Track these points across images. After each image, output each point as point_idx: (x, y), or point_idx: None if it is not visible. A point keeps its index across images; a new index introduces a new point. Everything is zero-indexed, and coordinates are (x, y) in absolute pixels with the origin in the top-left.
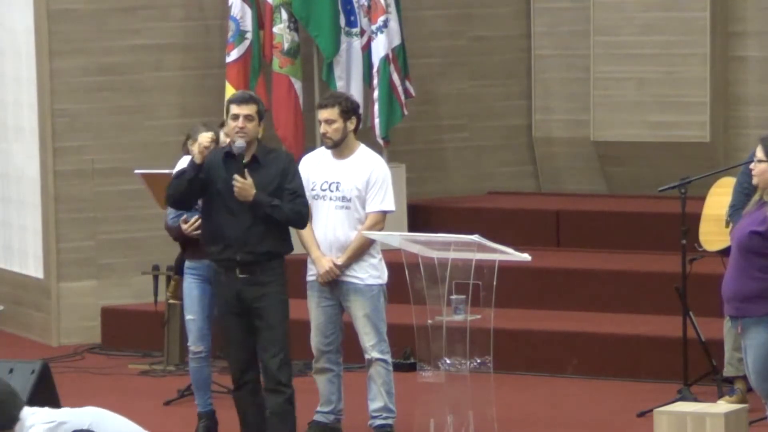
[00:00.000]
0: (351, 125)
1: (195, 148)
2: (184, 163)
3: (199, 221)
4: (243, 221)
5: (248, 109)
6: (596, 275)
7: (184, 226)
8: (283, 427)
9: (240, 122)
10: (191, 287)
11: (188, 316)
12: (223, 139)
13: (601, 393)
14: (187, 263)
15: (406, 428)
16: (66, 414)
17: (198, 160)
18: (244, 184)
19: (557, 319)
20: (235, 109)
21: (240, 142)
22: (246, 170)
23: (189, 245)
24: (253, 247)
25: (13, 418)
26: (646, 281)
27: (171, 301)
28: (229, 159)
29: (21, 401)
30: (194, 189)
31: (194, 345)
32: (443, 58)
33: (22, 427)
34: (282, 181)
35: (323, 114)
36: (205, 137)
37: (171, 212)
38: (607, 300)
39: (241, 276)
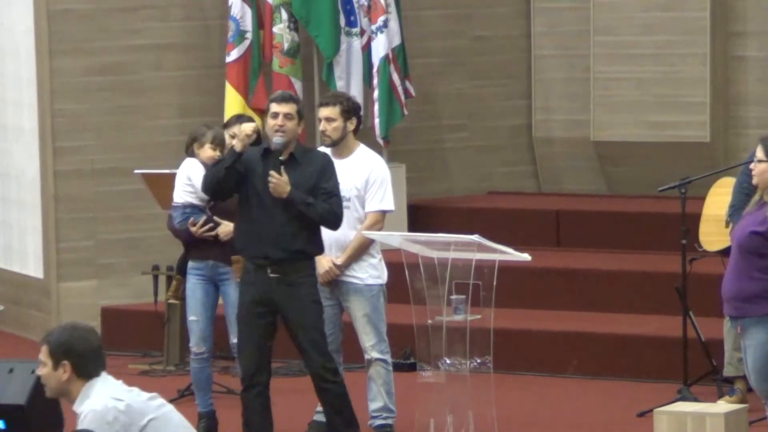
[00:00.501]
0: (351, 125)
1: (202, 147)
2: (187, 165)
3: (210, 223)
4: (277, 218)
5: (288, 108)
6: (596, 275)
7: (193, 229)
8: (341, 421)
9: (279, 120)
10: (194, 288)
11: (191, 317)
12: (228, 141)
13: (601, 393)
14: (190, 263)
15: (406, 428)
16: (134, 397)
17: (238, 148)
18: (279, 181)
19: (557, 319)
20: (275, 107)
21: (278, 139)
22: (282, 167)
23: (193, 245)
24: (286, 244)
25: (93, 373)
26: (646, 281)
27: (171, 301)
28: (268, 156)
29: (104, 360)
30: (231, 178)
31: (196, 346)
32: (443, 58)
33: (92, 386)
34: (318, 180)
35: (324, 112)
36: (248, 126)
37: (177, 215)
38: (607, 300)
39: (272, 276)
